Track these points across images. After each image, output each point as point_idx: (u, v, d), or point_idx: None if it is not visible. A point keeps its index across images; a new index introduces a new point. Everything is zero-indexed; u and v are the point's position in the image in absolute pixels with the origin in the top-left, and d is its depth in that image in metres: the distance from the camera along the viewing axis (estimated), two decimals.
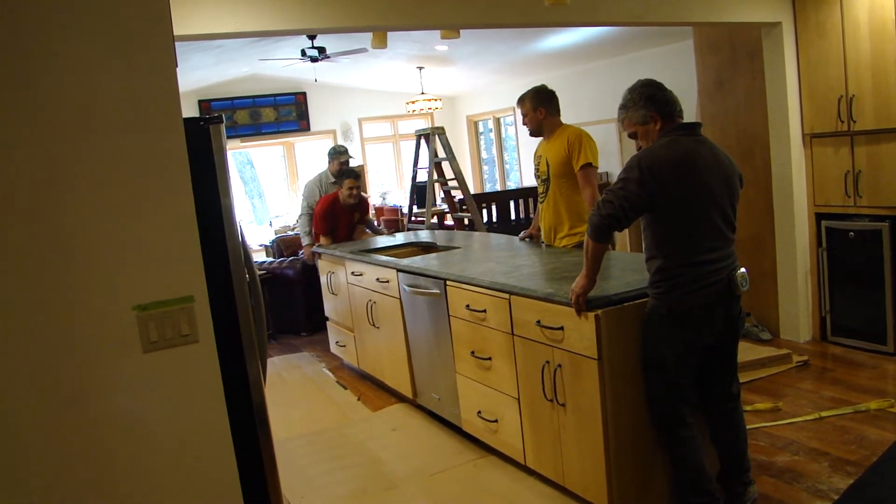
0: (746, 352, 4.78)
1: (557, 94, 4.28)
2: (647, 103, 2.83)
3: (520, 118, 4.38)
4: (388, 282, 4.52)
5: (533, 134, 4.36)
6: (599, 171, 4.42)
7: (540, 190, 4.37)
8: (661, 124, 2.82)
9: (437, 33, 6.60)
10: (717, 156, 2.82)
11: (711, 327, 2.80)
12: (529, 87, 4.30)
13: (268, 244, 9.18)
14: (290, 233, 9.46)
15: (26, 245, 1.73)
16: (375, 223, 7.32)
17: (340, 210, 6.08)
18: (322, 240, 6.04)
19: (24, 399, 1.75)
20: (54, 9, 1.73)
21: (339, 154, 6.29)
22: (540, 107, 4.22)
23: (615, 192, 2.73)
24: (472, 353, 3.67)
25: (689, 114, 3.28)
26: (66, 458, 1.80)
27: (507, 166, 12.28)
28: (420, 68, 10.02)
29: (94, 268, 1.81)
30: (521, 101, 4.29)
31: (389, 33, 6.75)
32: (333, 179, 5.97)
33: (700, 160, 2.74)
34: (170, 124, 1.88)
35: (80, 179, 1.78)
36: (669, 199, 2.70)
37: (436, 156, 8.22)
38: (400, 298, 4.41)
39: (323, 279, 5.75)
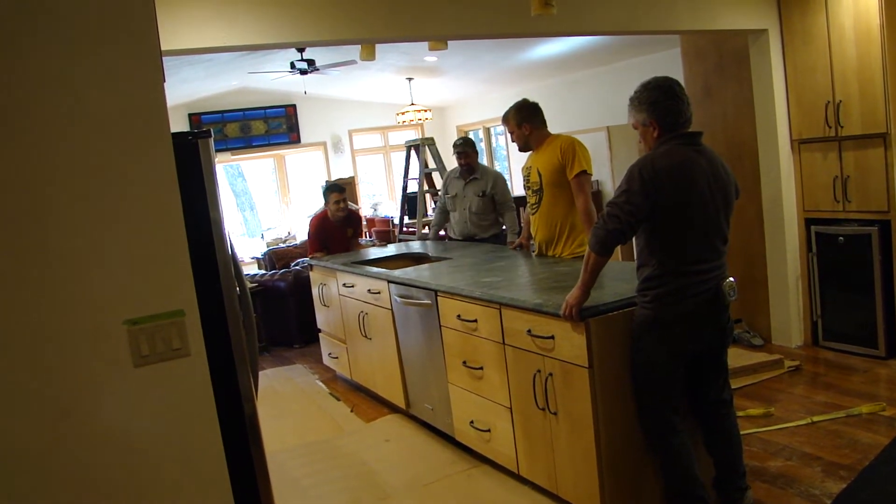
0: (738, 357, 4.80)
1: (547, 103, 4.26)
2: (650, 109, 2.80)
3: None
4: (379, 293, 4.51)
5: (522, 149, 4.32)
6: (591, 179, 4.41)
7: (531, 201, 4.28)
8: (659, 133, 2.80)
9: (425, 44, 6.63)
10: (716, 167, 2.81)
11: (699, 336, 2.81)
12: (516, 100, 4.26)
13: (260, 257, 9.16)
14: (282, 245, 9.46)
15: (16, 260, 1.73)
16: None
17: (332, 226, 6.03)
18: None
19: (15, 414, 1.74)
20: (39, 24, 1.73)
21: (455, 147, 6.38)
22: (524, 123, 4.18)
23: (620, 206, 2.70)
24: (464, 362, 3.67)
25: None
26: (58, 472, 1.79)
27: None
28: (409, 79, 10.04)
29: (84, 283, 1.81)
30: (505, 119, 4.27)
31: (378, 45, 6.76)
32: (457, 175, 5.99)
33: (699, 171, 2.74)
34: (158, 139, 1.88)
35: (67, 195, 1.78)
36: (666, 208, 2.70)
37: (426, 166, 8.25)
38: (391, 309, 4.41)
39: (315, 291, 5.74)
